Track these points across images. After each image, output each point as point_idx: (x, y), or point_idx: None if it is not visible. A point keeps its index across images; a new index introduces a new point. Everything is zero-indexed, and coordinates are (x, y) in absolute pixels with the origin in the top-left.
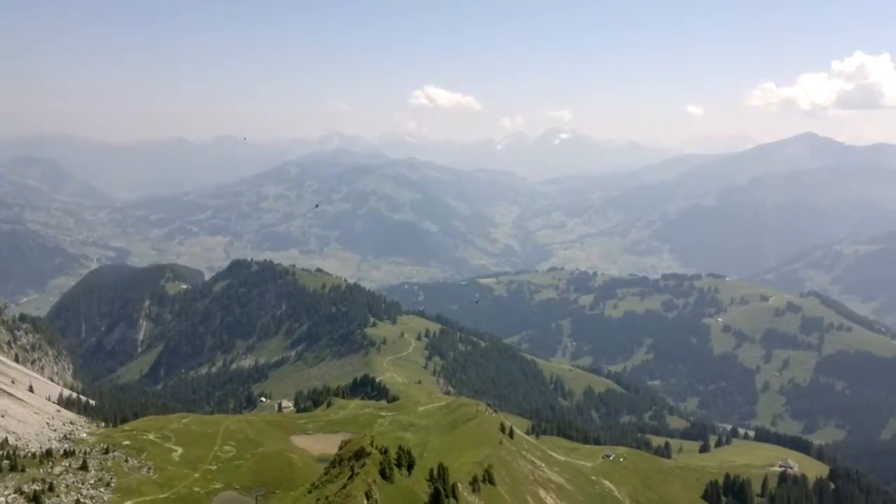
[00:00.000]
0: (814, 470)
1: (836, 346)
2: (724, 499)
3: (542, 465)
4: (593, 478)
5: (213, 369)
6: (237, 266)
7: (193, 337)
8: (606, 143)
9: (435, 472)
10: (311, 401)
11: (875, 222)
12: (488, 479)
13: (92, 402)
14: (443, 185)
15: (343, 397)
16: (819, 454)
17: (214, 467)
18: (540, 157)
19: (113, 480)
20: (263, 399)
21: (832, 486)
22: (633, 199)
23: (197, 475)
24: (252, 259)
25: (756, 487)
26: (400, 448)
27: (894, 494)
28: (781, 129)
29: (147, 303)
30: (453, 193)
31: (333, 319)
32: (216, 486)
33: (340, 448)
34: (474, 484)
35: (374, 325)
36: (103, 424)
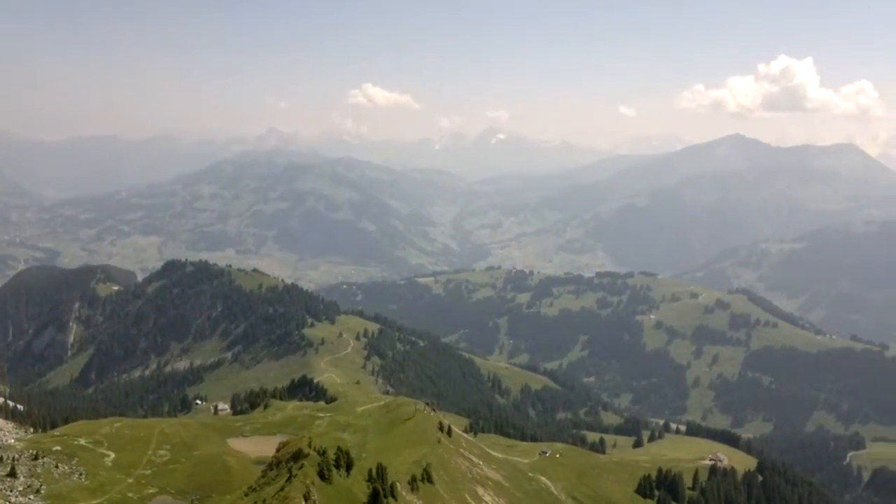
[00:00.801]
0: (742, 462)
1: (763, 341)
2: (656, 492)
3: (480, 462)
4: (530, 474)
5: (147, 372)
6: (171, 267)
7: (126, 339)
8: (543, 143)
9: (374, 472)
10: (248, 403)
11: (799, 221)
12: (427, 477)
13: (20, 407)
14: (381, 185)
15: (280, 399)
16: (747, 447)
17: (148, 472)
18: (478, 156)
19: (43, 487)
20: (199, 402)
21: (760, 478)
22: (568, 198)
23: (130, 480)
24: (187, 259)
25: (687, 481)
26: (338, 449)
27: (818, 485)
28: (710, 130)
29: (77, 305)
30: (392, 193)
31: (270, 320)
32: (150, 491)
33: (278, 450)
34: (413, 483)
35: (311, 325)
36: (32, 430)
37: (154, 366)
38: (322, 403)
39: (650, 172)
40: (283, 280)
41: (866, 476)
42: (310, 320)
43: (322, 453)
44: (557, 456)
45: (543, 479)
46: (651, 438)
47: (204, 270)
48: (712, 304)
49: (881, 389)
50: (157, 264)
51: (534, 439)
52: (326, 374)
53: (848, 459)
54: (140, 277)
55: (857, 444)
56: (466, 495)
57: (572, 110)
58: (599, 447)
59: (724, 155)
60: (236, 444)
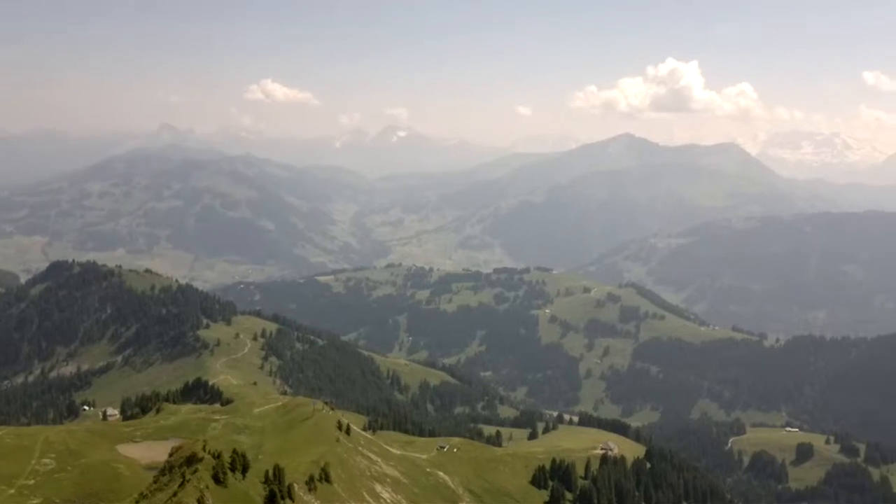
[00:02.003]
0: (632, 451)
1: (651, 333)
2: (550, 483)
3: (379, 459)
4: (428, 469)
5: (30, 378)
6: (57, 268)
7: (7, 344)
8: (442, 141)
9: (270, 474)
10: (140, 407)
11: (685, 217)
12: (325, 477)
13: None
14: (280, 182)
15: (174, 402)
16: (636, 436)
17: (32, 482)
18: (378, 154)
19: None
20: (87, 408)
21: (648, 465)
22: (467, 196)
23: (12, 491)
24: (74, 260)
25: (580, 470)
26: (234, 451)
27: (703, 470)
28: (603, 129)
29: None
30: (291, 190)
31: (164, 322)
32: (34, 502)
33: (171, 455)
34: (311, 483)
35: (207, 326)
36: None
37: (38, 371)
38: (217, 406)
39: (546, 170)
40: (177, 280)
41: (746, 460)
42: (205, 321)
43: (217, 457)
44: (455, 450)
45: (441, 473)
46: (545, 430)
47: (92, 271)
48: (604, 298)
49: (760, 377)
50: (41, 265)
51: (432, 435)
52: (222, 376)
53: (730, 445)
54: (23, 279)
55: (738, 429)
56: (365, 493)
57: (471, 109)
58: (496, 440)
59: (615, 153)
60: (127, 450)
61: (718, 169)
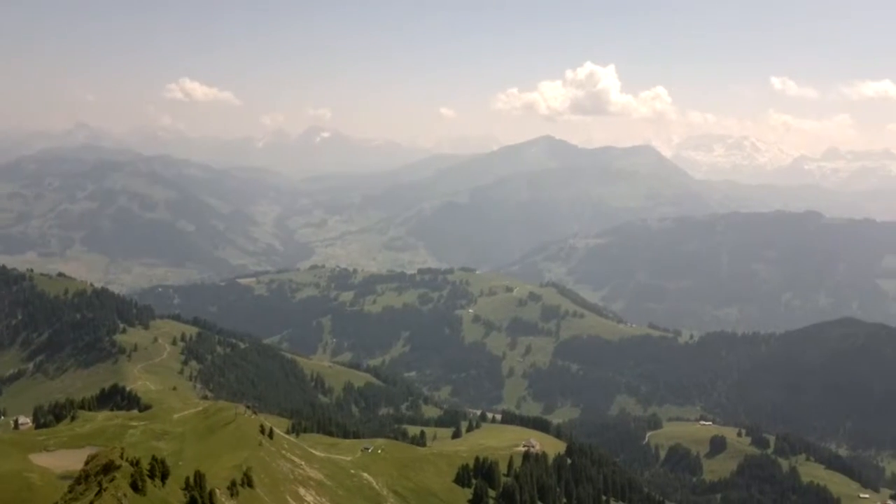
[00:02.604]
0: (553, 447)
1: (571, 331)
2: (474, 481)
3: (302, 462)
4: (352, 471)
5: None
6: None
7: None
8: (366, 142)
9: (191, 480)
10: (53, 415)
11: (603, 218)
12: (247, 482)
13: None
14: (200, 183)
15: (89, 409)
16: (557, 432)
17: None
18: (301, 155)
19: None
20: None
21: (569, 461)
22: (391, 197)
23: None
24: None
25: (503, 467)
26: (153, 458)
27: (621, 464)
28: (524, 131)
29: None
30: (212, 192)
31: (78, 327)
32: None
33: (86, 463)
34: (232, 488)
35: (123, 331)
36: None
37: None
38: (135, 412)
39: (469, 171)
40: (91, 284)
41: (663, 453)
42: (122, 326)
43: (135, 464)
44: (379, 451)
45: (366, 475)
46: (469, 429)
47: (1, 275)
48: (525, 297)
49: (675, 373)
50: None
51: (356, 436)
52: (140, 382)
53: (647, 439)
54: None
55: (655, 424)
56: (288, 497)
57: (395, 110)
58: (420, 440)
59: (536, 155)
60: (39, 459)
61: (635, 170)
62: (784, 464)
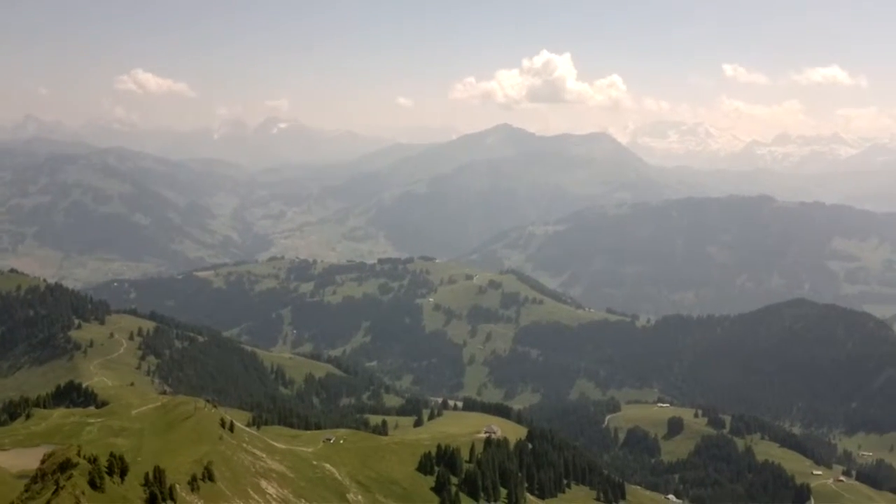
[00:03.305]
0: (514, 432)
1: (531, 317)
2: (436, 468)
3: (264, 455)
4: (314, 462)
5: None
6: None
7: None
8: (325, 133)
9: (151, 476)
10: (7, 414)
11: (561, 204)
12: (208, 476)
13: None
14: (156, 176)
15: (45, 407)
16: (518, 418)
17: None
18: (259, 146)
19: None
20: None
21: (530, 445)
22: (350, 187)
23: None
24: None
25: (465, 454)
26: (111, 455)
27: (581, 448)
28: (482, 120)
29: None
30: (167, 184)
31: (31, 324)
32: None
33: (43, 461)
34: (193, 483)
35: (79, 327)
36: None
37: None
38: (92, 409)
39: (428, 161)
40: (45, 280)
41: (622, 436)
42: (77, 322)
43: (93, 461)
44: (341, 442)
45: (328, 465)
46: (431, 417)
47: None
48: (485, 285)
49: (633, 356)
50: None
51: (318, 427)
52: (97, 378)
53: (606, 422)
54: None
55: (614, 407)
56: (250, 490)
57: (353, 101)
58: (382, 429)
59: (494, 143)
60: None
61: (592, 157)
62: (740, 443)
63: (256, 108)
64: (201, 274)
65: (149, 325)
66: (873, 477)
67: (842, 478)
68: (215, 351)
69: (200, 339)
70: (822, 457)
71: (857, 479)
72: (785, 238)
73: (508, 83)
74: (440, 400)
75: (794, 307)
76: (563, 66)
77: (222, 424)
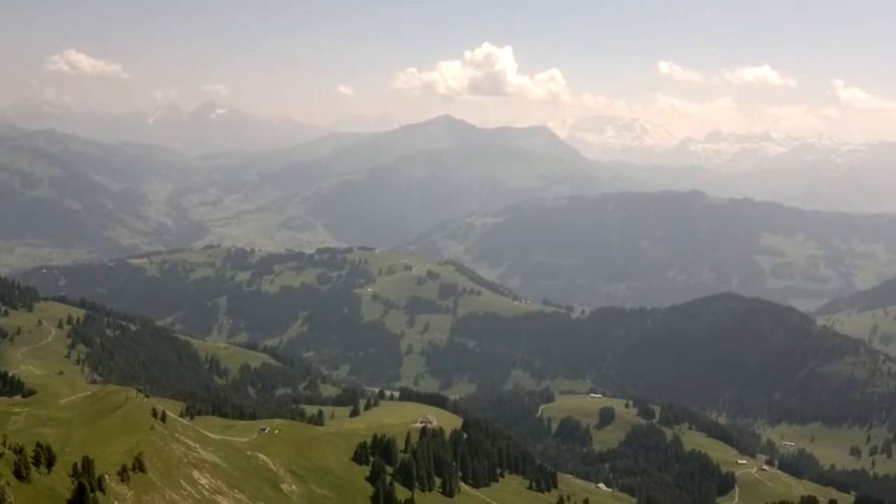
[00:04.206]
0: (450, 422)
1: (469, 308)
2: (371, 458)
3: (197, 446)
4: (248, 453)
5: None
6: None
7: None
8: (263, 119)
9: (79, 467)
10: None
11: (500, 196)
12: (139, 466)
13: None
14: (88, 160)
15: None
16: (454, 408)
17: None
18: (195, 132)
19: None
20: None
21: (465, 435)
22: (289, 175)
23: None
24: None
25: (400, 444)
26: (38, 445)
27: (515, 437)
28: (423, 111)
29: None
30: (100, 169)
31: None
32: None
33: None
34: (123, 473)
35: (5, 314)
36: None
37: None
38: (19, 398)
39: (368, 150)
40: None
41: (555, 426)
42: (3, 308)
43: (19, 451)
44: (276, 432)
45: (262, 456)
46: (367, 407)
47: None
48: (424, 276)
49: (567, 347)
50: None
51: (253, 418)
52: (23, 367)
53: (540, 412)
54: None
55: (548, 397)
56: (182, 480)
57: (293, 87)
58: (318, 419)
59: (435, 134)
60: None
61: (531, 151)
62: (668, 433)
63: (193, 92)
64: (134, 261)
65: (79, 313)
66: (795, 466)
67: (765, 467)
68: (148, 340)
69: (133, 327)
70: (747, 446)
71: (780, 467)
72: (715, 233)
73: (450, 75)
74: (377, 390)
75: (723, 300)
76: (504, 59)
77: (154, 414)
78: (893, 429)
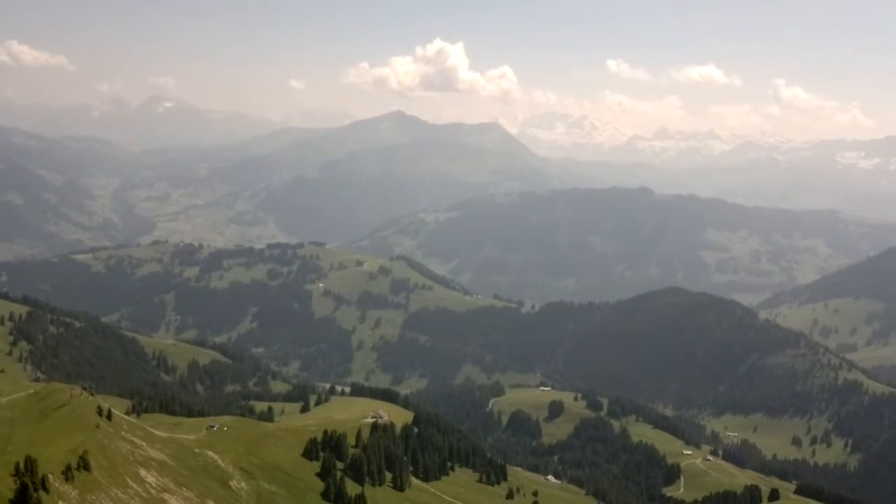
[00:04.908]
0: (401, 417)
1: (420, 303)
2: (322, 454)
3: (144, 444)
4: (197, 450)
5: None
6: None
7: None
8: (213, 113)
9: (21, 466)
10: None
11: (451, 192)
12: (84, 465)
13: None
14: (30, 153)
15: None
16: (405, 403)
17: None
18: (142, 125)
19: None
20: None
21: (416, 430)
22: (239, 170)
23: None
24: None
25: (351, 439)
26: None
27: (466, 431)
28: (375, 106)
29: None
30: (43, 162)
31: None
32: None
33: None
34: (68, 473)
35: None
36: None
37: None
38: None
39: (320, 145)
40: None
41: (505, 419)
42: None
43: None
44: (225, 429)
45: (211, 453)
46: (318, 403)
47: None
48: (376, 271)
49: (517, 341)
50: None
51: (201, 415)
52: None
53: (490, 406)
54: None
55: (498, 391)
56: (128, 479)
57: (243, 81)
58: (268, 416)
59: (387, 130)
60: None
61: (482, 147)
62: (616, 425)
63: (140, 85)
64: (79, 257)
65: (21, 310)
66: (738, 456)
67: (709, 457)
68: (93, 337)
69: (77, 324)
70: (692, 437)
71: (724, 458)
72: (662, 229)
73: (402, 70)
74: (328, 386)
75: (669, 295)
76: (456, 55)
77: (99, 412)
78: (833, 419)
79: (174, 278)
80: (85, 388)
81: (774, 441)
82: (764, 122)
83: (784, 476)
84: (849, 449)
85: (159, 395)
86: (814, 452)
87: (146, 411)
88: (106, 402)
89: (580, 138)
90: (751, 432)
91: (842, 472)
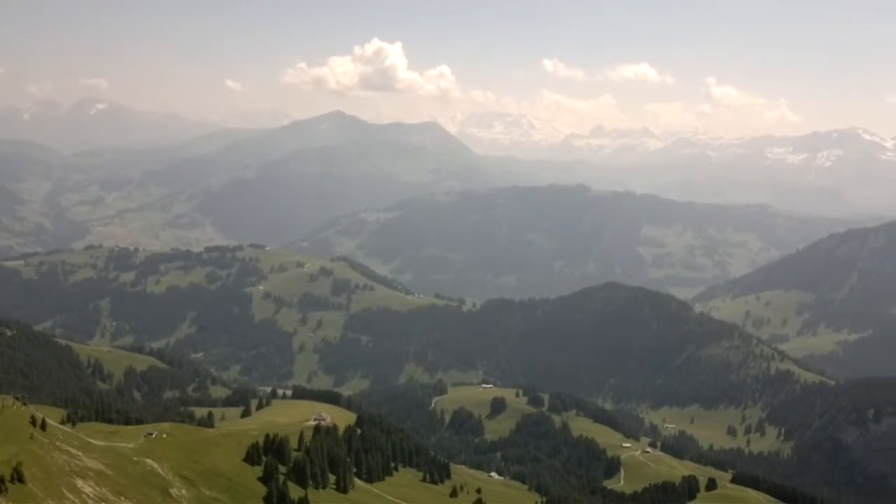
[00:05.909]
0: (344, 419)
1: (362, 304)
2: (264, 458)
3: (80, 453)
4: (135, 458)
5: None
6: None
7: None
8: (147, 114)
9: None
10: None
11: (392, 192)
12: (17, 477)
13: None
14: None
15: None
16: (348, 404)
17: None
18: (74, 128)
19: None
20: None
21: (359, 431)
22: (175, 172)
23: None
24: None
25: (293, 443)
26: None
27: (409, 431)
28: (314, 106)
29: None
30: None
31: None
32: None
33: None
34: (1, 485)
35: None
36: None
37: None
38: None
39: (258, 146)
40: None
41: (448, 418)
42: None
43: None
44: (164, 436)
45: (149, 461)
46: (259, 406)
47: None
48: (317, 272)
49: (459, 340)
50: None
51: (139, 422)
52: None
53: (433, 405)
54: None
55: (441, 389)
56: (64, 489)
57: (178, 81)
58: (208, 421)
59: (326, 130)
60: None
61: (422, 146)
62: (557, 420)
63: (71, 86)
64: (9, 263)
65: None
66: (676, 447)
67: (648, 449)
68: (25, 345)
69: (8, 332)
70: (631, 430)
71: (662, 449)
72: (599, 225)
73: (341, 70)
74: (269, 389)
75: (607, 290)
76: (394, 55)
77: (33, 422)
78: (766, 408)
79: (109, 284)
80: (17, 398)
81: (711, 432)
82: (696, 119)
83: (720, 466)
84: (782, 437)
85: (95, 404)
86: (748, 441)
87: (82, 420)
88: (40, 412)
89: (518, 137)
90: (688, 423)
91: (776, 460)
